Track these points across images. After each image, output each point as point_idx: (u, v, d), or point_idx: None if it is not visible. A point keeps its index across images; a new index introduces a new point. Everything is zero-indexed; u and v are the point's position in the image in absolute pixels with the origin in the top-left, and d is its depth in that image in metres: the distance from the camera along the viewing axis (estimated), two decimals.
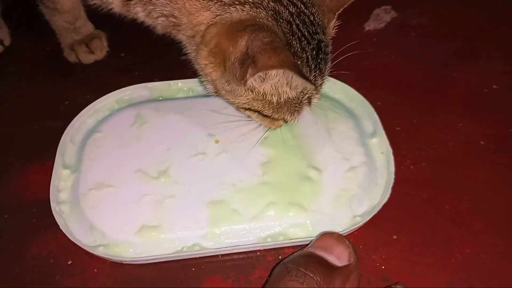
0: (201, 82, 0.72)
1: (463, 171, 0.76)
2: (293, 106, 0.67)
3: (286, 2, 0.62)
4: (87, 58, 0.93)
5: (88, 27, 0.93)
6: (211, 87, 0.69)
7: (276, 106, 0.66)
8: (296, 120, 0.71)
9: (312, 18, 0.64)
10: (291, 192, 0.72)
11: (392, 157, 0.75)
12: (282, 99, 0.65)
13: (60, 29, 0.91)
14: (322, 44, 0.65)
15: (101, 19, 0.85)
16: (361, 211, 0.71)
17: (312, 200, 0.71)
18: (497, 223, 0.69)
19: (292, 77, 0.59)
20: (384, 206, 0.69)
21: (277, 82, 0.62)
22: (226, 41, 0.59)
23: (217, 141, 0.78)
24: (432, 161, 0.77)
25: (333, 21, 0.69)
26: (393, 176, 0.73)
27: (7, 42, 0.96)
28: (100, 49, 0.94)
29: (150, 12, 0.67)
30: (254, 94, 0.64)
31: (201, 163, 0.75)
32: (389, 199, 0.70)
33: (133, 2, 0.67)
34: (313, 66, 0.64)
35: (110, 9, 0.72)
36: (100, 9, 0.74)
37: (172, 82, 0.87)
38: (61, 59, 0.95)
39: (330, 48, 0.68)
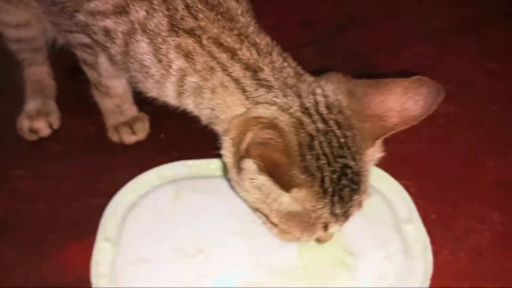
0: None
1: (502, 263, 0.76)
2: (303, 224, 0.64)
3: (316, 117, 0.63)
4: (129, 139, 0.98)
5: (133, 110, 0.98)
6: (230, 175, 0.70)
7: (281, 215, 0.65)
8: (309, 240, 0.69)
9: (342, 141, 0.63)
10: (326, 277, 0.73)
11: (429, 246, 0.76)
12: (283, 209, 0.64)
13: (107, 111, 0.97)
14: (348, 170, 0.63)
15: (142, 100, 0.91)
16: None
17: (347, 286, 0.71)
18: None
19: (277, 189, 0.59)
20: None
21: (268, 187, 0.61)
22: (239, 133, 0.63)
23: (253, 221, 0.79)
24: (470, 251, 0.77)
25: (374, 148, 0.67)
26: (431, 266, 0.72)
27: (56, 125, 1.01)
28: (142, 131, 0.98)
29: (198, 104, 0.71)
30: (260, 192, 0.64)
31: (238, 243, 0.76)
32: None
33: (185, 95, 0.72)
34: (330, 190, 0.62)
35: (165, 101, 0.77)
36: (153, 99, 0.79)
37: (210, 161, 0.91)
38: (103, 138, 0.99)
39: (363, 178, 0.65)
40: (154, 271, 0.73)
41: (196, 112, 0.73)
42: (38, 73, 1.04)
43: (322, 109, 0.64)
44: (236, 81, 0.66)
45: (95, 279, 0.71)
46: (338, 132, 0.63)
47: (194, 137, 0.99)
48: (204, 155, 0.92)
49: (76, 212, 0.85)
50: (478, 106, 1.10)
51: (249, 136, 0.60)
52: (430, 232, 0.78)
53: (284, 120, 0.62)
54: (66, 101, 1.08)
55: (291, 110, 0.63)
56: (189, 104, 0.72)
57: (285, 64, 0.68)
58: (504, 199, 0.87)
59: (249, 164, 0.59)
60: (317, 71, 1.19)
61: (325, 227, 0.65)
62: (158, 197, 0.84)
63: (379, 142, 0.67)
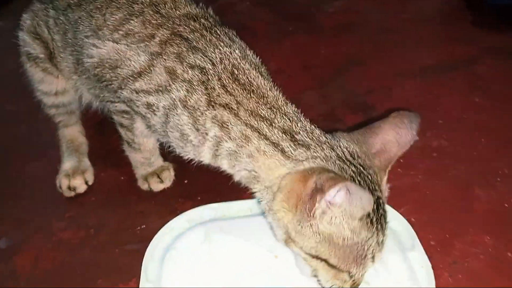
0: (272, 231, 0.83)
1: (495, 282, 0.86)
2: (359, 257, 0.74)
3: (348, 163, 0.76)
4: (157, 187, 1.09)
5: (159, 161, 1.10)
6: (281, 233, 0.79)
7: (342, 253, 0.74)
8: (361, 276, 0.78)
9: (370, 177, 0.76)
10: None
11: (431, 270, 0.86)
12: (348, 242, 0.73)
13: (137, 163, 1.09)
14: (380, 201, 0.76)
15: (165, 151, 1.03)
16: None
17: None
18: None
19: (352, 201, 0.69)
20: None
21: (343, 216, 0.72)
22: (298, 183, 0.73)
23: (276, 257, 0.90)
24: (467, 273, 0.88)
25: (385, 178, 0.81)
26: None
27: (91, 182, 1.13)
28: (169, 179, 1.10)
29: (234, 166, 0.83)
30: (322, 236, 0.74)
31: (265, 280, 0.87)
32: None
33: (220, 157, 0.84)
34: (374, 219, 0.74)
35: (201, 162, 0.88)
36: (190, 160, 0.90)
37: (232, 204, 1.02)
38: (134, 187, 1.11)
39: (386, 207, 0.78)
40: None
41: (230, 171, 0.85)
42: (72, 132, 1.17)
43: (349, 157, 0.77)
44: (275, 144, 0.78)
45: None
46: (365, 172, 0.76)
47: (214, 181, 1.10)
48: (226, 197, 1.04)
49: (118, 258, 0.95)
50: (467, 139, 1.22)
51: (311, 182, 0.70)
52: (431, 258, 0.88)
53: (331, 166, 0.74)
54: (95, 153, 1.20)
55: (332, 160, 0.76)
56: (224, 164, 0.84)
57: (312, 126, 0.81)
58: (494, 225, 0.97)
59: (333, 201, 0.69)
60: (322, 115, 1.33)
61: (373, 257, 0.76)
62: (190, 239, 0.95)
63: (388, 172, 0.82)
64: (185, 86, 0.82)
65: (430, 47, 1.68)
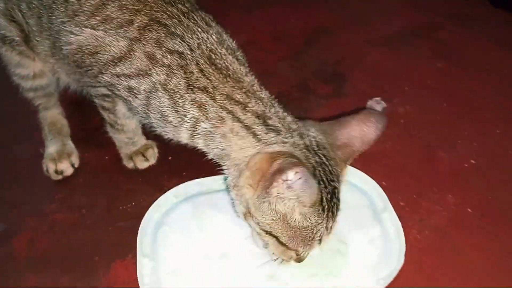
0: (233, 207, 0.89)
1: (457, 236, 0.97)
2: (307, 239, 0.81)
3: (313, 153, 0.82)
4: (143, 165, 1.13)
5: (142, 140, 1.14)
6: (241, 208, 0.85)
7: (292, 233, 0.81)
8: (306, 255, 0.85)
9: (330, 169, 0.82)
10: (327, 264, 0.91)
11: (401, 228, 0.96)
12: (298, 224, 0.80)
13: (121, 143, 1.12)
14: (336, 191, 0.82)
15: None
16: (383, 275, 0.90)
17: (344, 269, 0.91)
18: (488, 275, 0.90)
19: (303, 186, 0.75)
20: (401, 270, 0.89)
21: (295, 201, 0.78)
22: (265, 163, 0.79)
23: None
24: (433, 229, 0.98)
25: (345, 170, 0.88)
26: (404, 245, 0.93)
27: (77, 164, 1.15)
28: (153, 157, 1.14)
29: (208, 145, 0.88)
30: (278, 214, 0.80)
31: (252, 244, 0.94)
32: (404, 263, 0.90)
33: (197, 137, 0.88)
34: (326, 207, 0.80)
35: (179, 141, 0.93)
36: (170, 140, 0.95)
37: (216, 178, 1.07)
38: (119, 166, 1.14)
39: (341, 197, 0.84)
40: (188, 277, 0.90)
41: (205, 150, 0.90)
42: (53, 115, 1.18)
43: (314, 146, 0.83)
44: (248, 127, 0.83)
45: None
46: (327, 163, 0.83)
47: (197, 157, 1.14)
48: (209, 172, 1.08)
49: (112, 236, 1.00)
50: (431, 104, 1.32)
51: (276, 163, 0.76)
52: (400, 217, 0.98)
53: (297, 153, 0.80)
54: (76, 134, 1.22)
55: (299, 147, 0.82)
56: (199, 144, 0.89)
57: (285, 113, 0.86)
58: (456, 184, 1.08)
59: (288, 182, 0.75)
60: (295, 86, 1.39)
61: (320, 240, 0.83)
62: (179, 213, 1.01)
63: (348, 164, 0.89)
64: (165, 70, 0.85)
65: (396, 15, 1.74)
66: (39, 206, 1.07)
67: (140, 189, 1.10)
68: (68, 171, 1.12)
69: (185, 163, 1.15)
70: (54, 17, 0.95)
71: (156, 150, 1.15)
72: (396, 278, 0.88)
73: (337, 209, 0.84)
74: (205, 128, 0.86)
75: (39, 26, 1.01)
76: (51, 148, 1.14)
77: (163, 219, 1.00)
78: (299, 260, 0.86)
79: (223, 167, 0.89)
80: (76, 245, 1.00)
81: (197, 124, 0.86)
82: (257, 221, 0.83)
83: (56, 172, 1.11)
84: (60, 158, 1.12)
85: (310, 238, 0.82)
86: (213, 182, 1.08)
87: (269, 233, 0.83)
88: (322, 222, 0.81)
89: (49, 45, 1.02)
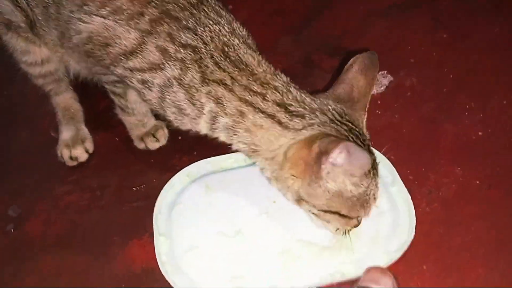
0: (285, 196, 0.89)
1: (465, 207, 0.99)
2: (365, 203, 0.84)
3: (340, 123, 0.83)
4: (154, 145, 1.14)
5: (152, 121, 1.14)
6: (292, 196, 0.86)
7: (350, 203, 0.83)
8: (367, 215, 0.88)
9: (358, 130, 0.84)
10: (338, 237, 0.93)
11: (411, 201, 0.98)
12: (353, 194, 0.82)
13: (131, 125, 1.12)
14: (370, 147, 0.86)
15: None
16: (394, 248, 0.93)
17: (355, 242, 0.93)
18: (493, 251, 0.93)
19: (352, 160, 0.77)
20: (411, 243, 0.91)
21: (344, 174, 0.80)
22: (303, 151, 0.80)
23: (274, 202, 0.99)
24: (442, 202, 1.00)
25: (365, 117, 0.90)
26: (414, 218, 0.95)
27: (91, 150, 1.15)
28: (164, 137, 1.15)
29: (232, 138, 0.88)
30: (331, 193, 0.82)
31: (266, 221, 0.97)
32: (414, 236, 0.92)
33: (217, 130, 0.89)
34: (371, 165, 0.82)
35: (198, 132, 0.93)
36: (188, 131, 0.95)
37: (227, 156, 1.08)
38: (130, 147, 1.15)
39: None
40: (204, 254, 0.93)
41: (228, 142, 0.90)
42: (65, 100, 1.18)
43: (338, 117, 0.84)
44: (272, 116, 0.83)
45: (162, 267, 0.90)
46: (353, 126, 0.84)
47: (206, 137, 1.16)
48: (220, 150, 1.09)
49: (126, 215, 1.02)
50: (437, 76, 1.31)
51: (315, 147, 0.78)
52: (409, 190, 1.00)
53: (328, 130, 0.81)
54: (85, 117, 1.22)
55: (327, 124, 0.82)
56: (221, 137, 0.90)
57: (302, 95, 0.86)
58: (463, 156, 1.09)
59: (336, 161, 0.77)
60: (299, 62, 1.38)
61: (375, 198, 0.86)
62: (192, 192, 1.03)
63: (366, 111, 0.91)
64: (179, 65, 0.85)
65: None
66: (51, 189, 1.08)
67: (152, 169, 1.11)
68: (83, 157, 1.13)
69: (195, 142, 1.14)
70: (62, 7, 0.93)
71: (166, 130, 1.16)
72: (407, 251, 0.91)
73: (377, 163, 0.86)
74: (226, 123, 0.86)
75: (45, 15, 0.99)
76: (65, 134, 1.14)
77: (177, 199, 1.02)
78: (358, 224, 0.90)
79: (254, 161, 0.90)
80: (90, 226, 1.02)
81: (216, 118, 0.87)
82: (313, 205, 0.85)
83: (71, 158, 1.12)
84: (74, 144, 1.12)
85: (367, 200, 0.85)
86: (224, 160, 1.09)
87: (328, 211, 0.85)
88: (371, 182, 0.84)
89: (57, 36, 1.01)
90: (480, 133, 1.14)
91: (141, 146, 1.14)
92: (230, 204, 1.00)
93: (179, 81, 0.86)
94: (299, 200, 0.86)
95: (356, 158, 0.77)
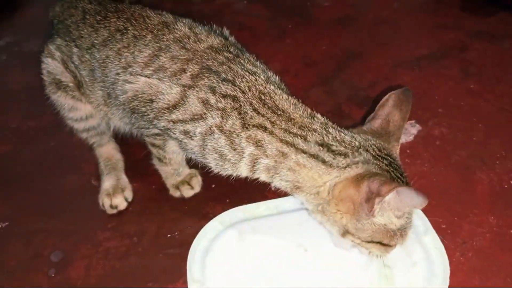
0: (327, 227, 0.93)
1: (501, 258, 0.98)
2: (403, 232, 0.89)
3: (381, 159, 0.87)
4: (188, 193, 1.19)
5: (186, 169, 1.20)
6: (337, 230, 0.90)
7: (392, 233, 0.87)
8: (404, 243, 0.91)
9: (397, 163, 0.89)
10: None
11: (444, 251, 0.97)
12: (395, 226, 0.86)
13: (167, 174, 1.18)
14: (407, 180, 0.89)
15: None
16: None
17: None
18: None
19: (402, 200, 0.81)
20: None
21: (392, 211, 0.84)
22: (352, 190, 0.84)
23: (306, 250, 1.01)
24: (476, 252, 0.99)
25: (398, 149, 0.94)
26: (448, 268, 0.94)
27: (130, 199, 1.21)
28: (198, 184, 1.20)
29: (273, 177, 0.93)
30: (377, 226, 0.86)
31: (298, 270, 0.98)
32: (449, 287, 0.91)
33: (257, 172, 0.93)
34: None
35: (239, 175, 0.97)
36: (228, 176, 0.99)
37: (259, 204, 1.12)
38: (165, 195, 1.20)
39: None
40: None
41: (268, 181, 0.95)
42: (107, 150, 1.25)
43: (378, 152, 0.88)
44: (315, 156, 0.87)
45: None
46: (392, 159, 0.89)
47: (239, 183, 1.19)
48: (252, 197, 1.14)
49: (163, 262, 1.05)
50: (466, 125, 1.33)
51: (364, 187, 0.82)
52: (443, 240, 0.99)
53: (372, 167, 0.85)
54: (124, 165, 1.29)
55: (370, 161, 0.86)
56: (262, 177, 0.94)
57: (342, 134, 0.90)
58: (496, 205, 1.09)
59: (387, 201, 0.81)
60: (330, 111, 1.42)
61: (411, 226, 0.90)
62: (225, 240, 1.05)
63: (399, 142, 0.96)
64: (220, 113, 0.91)
65: (423, 35, 1.77)
66: (92, 234, 1.13)
67: (186, 217, 1.15)
68: (122, 205, 1.18)
69: (228, 190, 1.20)
70: (108, 70, 1.03)
71: (200, 178, 1.21)
72: None
73: None
74: (267, 164, 0.91)
75: (92, 78, 1.09)
76: (107, 183, 1.20)
77: (210, 246, 1.04)
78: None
79: (296, 197, 0.94)
80: (129, 271, 1.05)
81: (257, 160, 0.92)
82: (358, 237, 0.88)
83: (111, 206, 1.17)
84: (115, 193, 1.18)
85: (406, 230, 0.89)
86: (256, 208, 1.12)
87: (371, 241, 0.89)
88: (410, 213, 0.88)
89: (102, 96, 1.10)
90: None
91: (176, 194, 1.18)
92: (262, 252, 1.02)
93: (220, 128, 0.91)
94: (344, 234, 0.89)
95: (407, 198, 0.81)
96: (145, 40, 1.00)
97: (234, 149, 0.91)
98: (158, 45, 0.98)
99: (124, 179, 1.22)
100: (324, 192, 0.88)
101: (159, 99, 0.95)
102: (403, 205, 0.83)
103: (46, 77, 1.15)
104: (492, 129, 1.31)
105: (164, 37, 0.99)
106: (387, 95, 0.95)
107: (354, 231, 0.88)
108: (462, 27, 1.75)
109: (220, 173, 0.99)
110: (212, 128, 0.92)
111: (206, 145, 0.94)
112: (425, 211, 1.06)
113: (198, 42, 0.98)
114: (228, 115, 0.91)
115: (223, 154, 0.93)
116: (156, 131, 1.02)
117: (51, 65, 1.13)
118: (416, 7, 1.93)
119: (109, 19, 1.06)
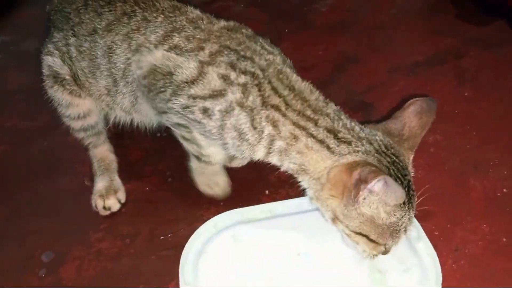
0: (321, 213, 0.94)
1: (493, 265, 0.98)
2: (394, 232, 0.88)
3: (384, 155, 0.87)
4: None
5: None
6: (329, 215, 0.91)
7: (380, 230, 0.87)
8: (395, 246, 0.92)
9: (402, 165, 0.88)
10: None
11: (437, 258, 0.97)
12: (385, 222, 0.86)
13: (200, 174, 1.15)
14: (410, 183, 0.89)
15: None
16: None
17: None
18: None
19: (388, 191, 0.80)
20: None
21: (380, 203, 0.83)
22: (345, 175, 0.85)
23: (299, 254, 1.01)
24: (469, 259, 1.00)
25: (412, 157, 0.94)
26: (440, 275, 0.94)
27: (123, 200, 1.20)
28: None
29: (283, 160, 0.94)
30: (365, 217, 0.86)
31: (291, 274, 0.98)
32: None
33: (271, 154, 0.94)
34: (406, 200, 0.86)
35: (253, 159, 0.98)
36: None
37: (252, 208, 1.11)
38: (159, 196, 1.20)
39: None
40: None
41: (277, 164, 0.96)
42: (102, 151, 1.24)
43: (384, 149, 0.88)
44: (321, 141, 0.89)
45: None
46: (397, 160, 0.88)
47: (233, 187, 1.20)
48: (246, 201, 1.14)
49: (156, 264, 1.05)
50: (460, 132, 1.34)
51: (356, 174, 0.82)
52: (435, 247, 1.00)
53: (371, 159, 0.86)
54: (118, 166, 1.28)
55: (371, 153, 0.87)
56: (274, 160, 0.95)
57: (352, 123, 0.92)
58: (489, 212, 1.09)
59: (374, 191, 0.81)
60: None
61: (405, 230, 0.90)
62: (219, 242, 1.05)
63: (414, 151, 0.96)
64: (240, 89, 0.91)
65: (419, 42, 1.77)
66: (84, 235, 1.12)
67: (180, 219, 1.15)
68: (115, 207, 1.17)
69: None
70: (116, 56, 1.02)
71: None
72: None
73: (415, 199, 0.90)
74: (280, 146, 0.92)
75: (94, 67, 1.07)
76: (99, 185, 1.19)
77: (203, 248, 1.04)
78: (386, 252, 0.92)
79: (300, 180, 0.95)
80: (121, 272, 1.04)
81: (273, 142, 0.92)
82: (346, 225, 0.89)
83: (104, 208, 1.16)
84: (108, 195, 1.17)
85: (397, 231, 0.88)
86: (250, 211, 1.11)
87: (358, 233, 0.89)
88: (405, 214, 0.87)
89: (105, 86, 1.09)
90: (505, 190, 1.15)
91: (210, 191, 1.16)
92: (255, 255, 1.02)
93: (240, 104, 0.91)
94: (334, 219, 0.90)
95: (391, 190, 0.81)
96: (156, 22, 0.99)
97: (255, 128, 0.92)
98: (172, 25, 0.98)
99: (117, 181, 1.21)
100: (323, 177, 0.89)
101: (178, 72, 0.94)
102: (388, 197, 0.82)
103: (45, 70, 1.14)
104: (486, 136, 1.32)
105: (177, 18, 0.99)
106: (411, 100, 0.95)
107: (342, 217, 0.88)
108: (458, 34, 1.76)
109: (235, 155, 1.00)
110: (232, 105, 0.91)
111: (225, 124, 0.93)
112: (418, 217, 1.06)
113: (212, 23, 0.99)
114: (248, 91, 0.91)
115: (243, 133, 0.93)
116: (175, 119, 1.00)
117: (50, 61, 1.12)
118: (412, 14, 1.94)
119: (114, 3, 1.05)
